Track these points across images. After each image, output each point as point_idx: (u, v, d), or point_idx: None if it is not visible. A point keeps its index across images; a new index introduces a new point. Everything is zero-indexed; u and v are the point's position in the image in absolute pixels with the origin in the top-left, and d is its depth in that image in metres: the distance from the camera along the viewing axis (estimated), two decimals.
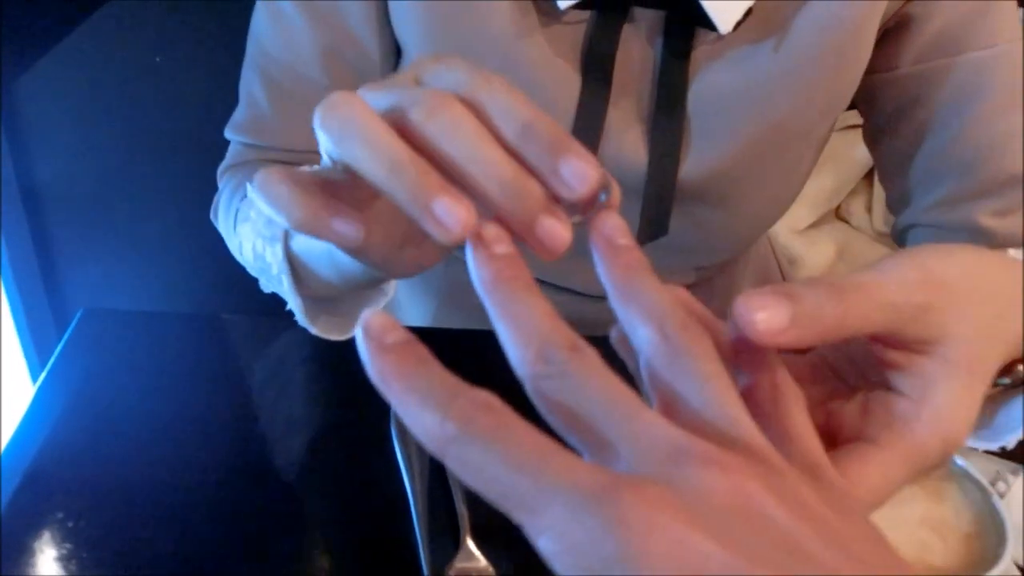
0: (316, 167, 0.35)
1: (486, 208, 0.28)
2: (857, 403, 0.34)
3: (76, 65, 1.18)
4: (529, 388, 0.24)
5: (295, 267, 0.53)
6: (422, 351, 0.24)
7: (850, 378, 0.36)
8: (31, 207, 1.26)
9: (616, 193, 0.30)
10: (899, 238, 0.74)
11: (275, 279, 0.55)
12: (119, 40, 1.17)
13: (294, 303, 0.55)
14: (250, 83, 0.68)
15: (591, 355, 0.24)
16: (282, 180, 0.32)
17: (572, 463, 0.21)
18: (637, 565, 0.19)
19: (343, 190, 0.34)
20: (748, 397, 0.26)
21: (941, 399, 0.32)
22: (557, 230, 0.28)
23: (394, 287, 0.58)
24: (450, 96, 0.29)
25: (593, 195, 0.28)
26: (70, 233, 1.30)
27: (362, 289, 0.56)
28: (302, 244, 0.51)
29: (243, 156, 0.70)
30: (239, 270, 0.64)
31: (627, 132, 0.64)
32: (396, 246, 0.40)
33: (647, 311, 0.26)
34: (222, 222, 0.67)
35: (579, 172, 0.28)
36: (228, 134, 0.71)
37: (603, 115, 0.63)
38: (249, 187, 0.60)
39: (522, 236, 0.28)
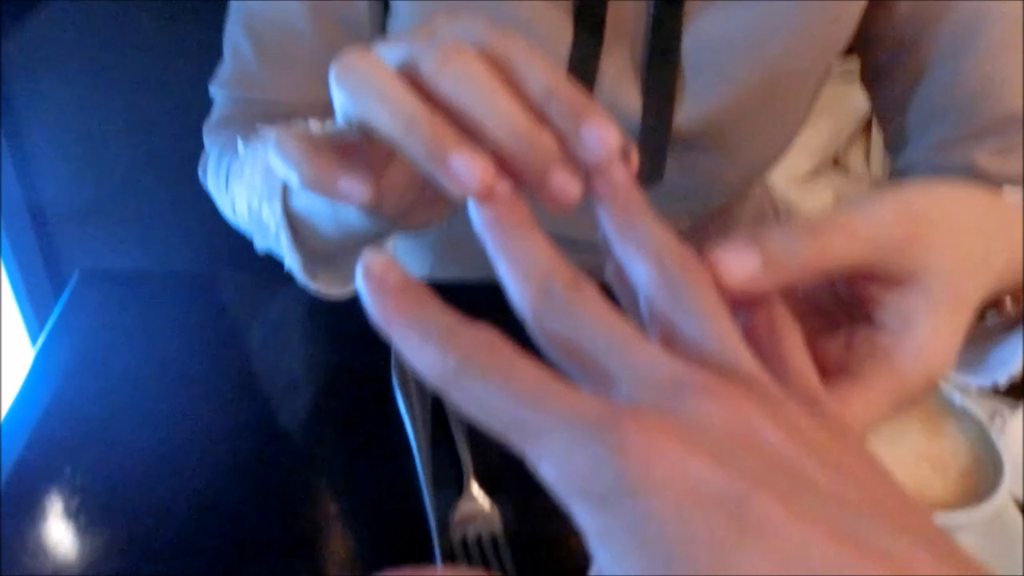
0: (331, 128, 0.35)
1: (499, 159, 0.28)
2: (840, 338, 0.34)
3: (74, 58, 1.17)
4: (530, 325, 0.24)
5: (294, 224, 0.53)
6: (422, 291, 0.24)
7: (835, 315, 0.36)
8: (24, 172, 1.25)
9: (635, 159, 0.29)
10: (897, 180, 0.74)
11: (272, 237, 0.55)
12: (116, 37, 1.16)
13: (293, 260, 0.54)
14: (234, 36, 0.68)
15: (591, 290, 0.24)
16: (295, 140, 0.32)
17: (572, 393, 0.21)
18: (637, 489, 0.19)
19: (358, 150, 0.34)
20: (746, 334, 0.26)
21: (922, 333, 0.32)
22: (570, 184, 0.28)
23: (393, 242, 0.58)
24: (463, 46, 0.29)
25: (611, 160, 0.28)
26: (65, 197, 1.30)
27: (362, 244, 0.56)
28: (303, 200, 0.51)
29: (229, 110, 0.69)
30: (230, 228, 0.64)
31: (621, 81, 0.64)
32: (409, 204, 0.40)
33: (646, 247, 0.26)
34: (211, 180, 0.66)
35: (601, 137, 0.28)
36: (213, 89, 0.70)
37: (596, 64, 0.62)
38: (241, 143, 0.60)
39: (534, 188, 0.28)
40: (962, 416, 0.45)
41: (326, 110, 0.69)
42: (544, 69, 0.29)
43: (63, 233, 1.32)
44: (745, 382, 0.23)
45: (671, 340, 0.25)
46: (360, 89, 0.29)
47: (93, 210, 1.32)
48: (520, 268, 0.25)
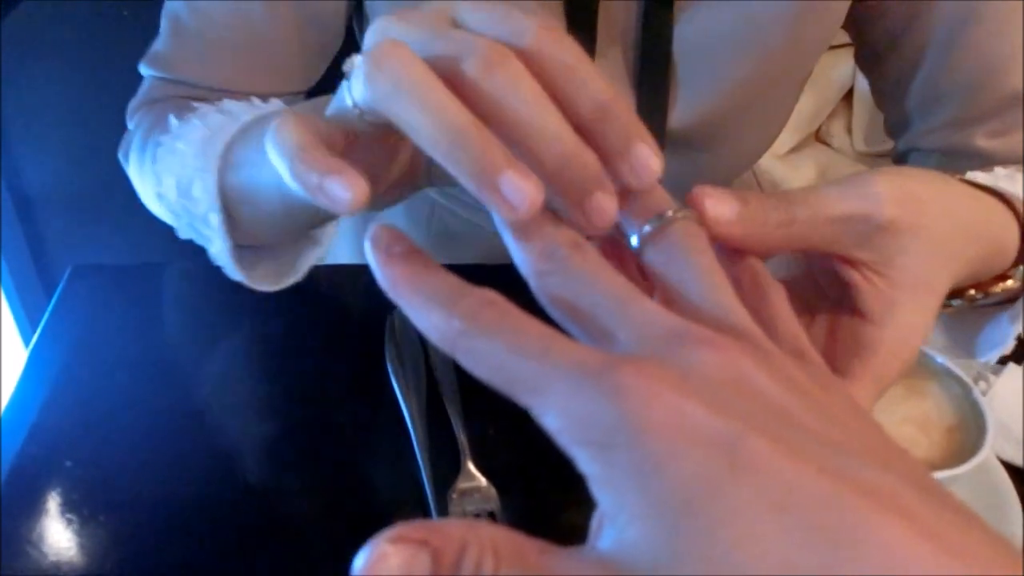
0: (334, 110, 0.33)
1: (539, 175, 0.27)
2: (823, 326, 0.36)
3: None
4: (533, 286, 0.26)
5: (228, 203, 0.49)
6: (426, 258, 0.25)
7: (810, 298, 0.38)
8: (11, 169, 1.25)
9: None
10: (898, 163, 0.74)
11: (200, 217, 0.51)
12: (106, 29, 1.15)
13: (222, 245, 0.51)
14: (177, 11, 0.63)
15: (591, 252, 0.25)
16: (295, 128, 0.30)
17: (573, 346, 0.22)
18: (634, 431, 0.20)
19: (355, 137, 0.33)
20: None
21: (903, 324, 0.34)
22: (608, 205, 0.27)
23: (329, 237, 0.56)
24: (507, 51, 0.28)
25: (651, 185, 0.28)
26: (55, 193, 1.30)
27: (306, 228, 0.54)
28: (243, 177, 0.48)
29: (161, 92, 0.65)
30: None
31: (614, 82, 0.64)
32: (383, 187, 0.40)
33: (648, 210, 0.28)
34: (134, 161, 0.62)
35: (648, 163, 0.27)
36: (144, 68, 0.65)
37: None
38: (173, 118, 0.55)
39: (571, 204, 0.27)
40: (945, 377, 0.46)
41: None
42: (600, 83, 0.28)
43: (53, 230, 1.32)
44: (739, 335, 0.24)
45: (669, 298, 0.26)
46: (398, 91, 0.27)
47: (83, 206, 1.31)
48: (524, 231, 0.26)
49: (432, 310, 0.23)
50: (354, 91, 0.30)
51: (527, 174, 0.26)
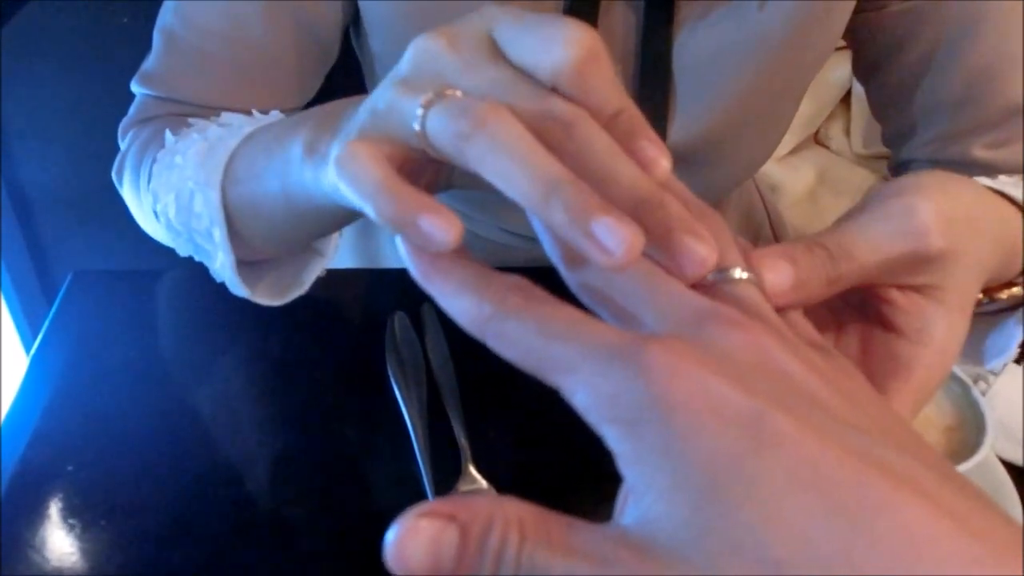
0: (386, 130, 0.31)
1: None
2: (854, 340, 0.36)
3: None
4: (565, 274, 0.26)
5: (232, 218, 0.49)
6: (456, 247, 0.25)
7: (836, 308, 0.38)
8: (11, 172, 1.25)
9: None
10: (896, 173, 0.74)
11: (203, 233, 0.50)
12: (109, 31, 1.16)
13: (225, 259, 0.50)
14: (172, 29, 0.62)
15: None
16: (367, 159, 0.29)
17: (601, 326, 0.22)
18: (662, 408, 0.20)
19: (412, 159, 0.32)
20: None
21: (939, 340, 0.34)
22: (695, 246, 0.26)
23: (333, 248, 0.56)
24: (582, 113, 0.28)
25: None
26: (54, 197, 1.30)
27: (303, 248, 0.54)
28: (247, 190, 0.47)
29: (153, 110, 0.63)
30: None
31: None
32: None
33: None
34: (128, 180, 0.61)
35: (697, 253, 0.26)
36: (136, 86, 0.64)
37: None
38: (169, 133, 0.55)
39: (664, 257, 0.26)
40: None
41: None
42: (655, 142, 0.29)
43: (53, 235, 1.32)
44: (764, 319, 0.25)
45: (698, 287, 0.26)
46: (497, 151, 0.26)
47: (84, 211, 1.31)
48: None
49: (462, 296, 0.24)
50: (431, 126, 0.29)
51: (624, 219, 0.24)
